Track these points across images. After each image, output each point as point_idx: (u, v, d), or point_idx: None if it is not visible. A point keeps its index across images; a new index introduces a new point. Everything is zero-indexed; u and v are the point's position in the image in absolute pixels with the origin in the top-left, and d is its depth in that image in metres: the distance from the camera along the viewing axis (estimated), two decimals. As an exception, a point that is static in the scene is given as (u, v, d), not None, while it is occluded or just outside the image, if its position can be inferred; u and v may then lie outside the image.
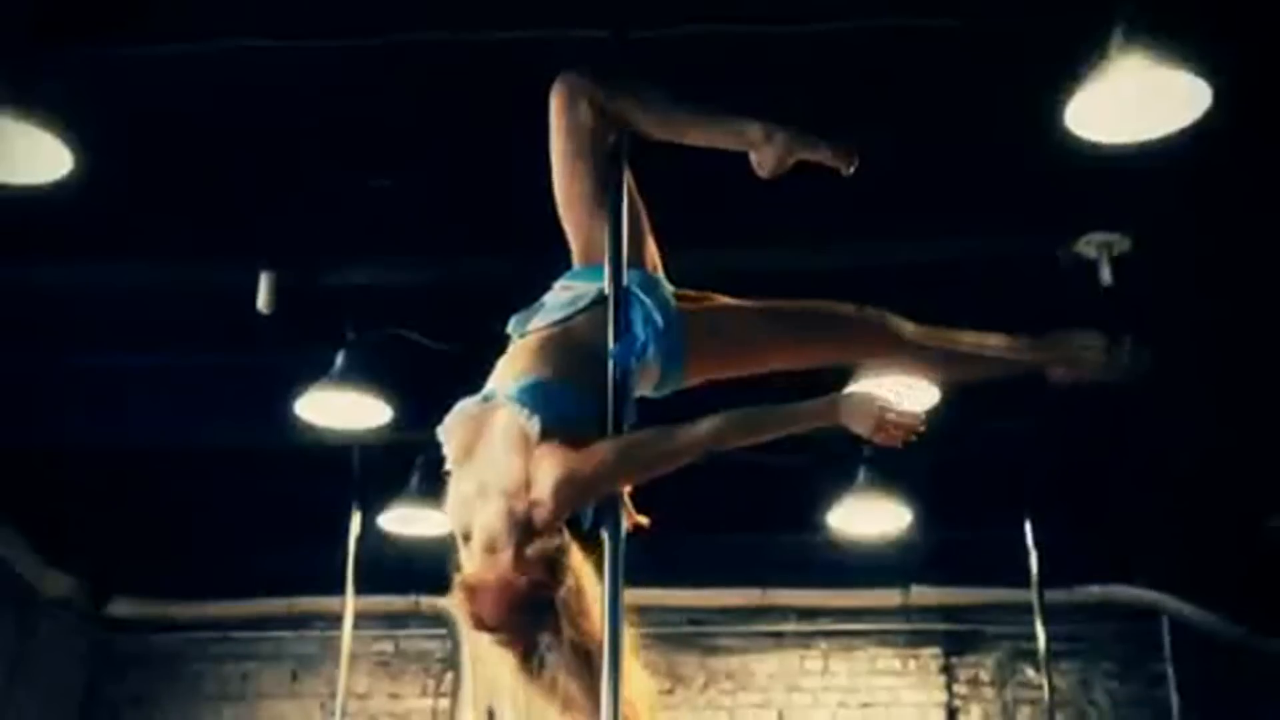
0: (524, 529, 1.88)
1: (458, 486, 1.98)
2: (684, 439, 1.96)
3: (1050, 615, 5.84)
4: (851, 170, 2.44)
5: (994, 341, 2.39)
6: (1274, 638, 6.42)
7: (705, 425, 1.97)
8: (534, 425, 1.91)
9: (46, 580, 6.39)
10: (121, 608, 6.90)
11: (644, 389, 2.14)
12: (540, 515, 1.88)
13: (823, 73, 3.58)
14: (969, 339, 2.38)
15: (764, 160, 2.44)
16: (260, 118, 3.78)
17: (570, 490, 1.87)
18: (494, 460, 1.93)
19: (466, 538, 1.95)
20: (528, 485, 1.88)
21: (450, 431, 2.02)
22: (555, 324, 2.11)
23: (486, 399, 2.02)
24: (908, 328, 2.33)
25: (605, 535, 1.98)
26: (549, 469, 1.87)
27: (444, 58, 3.52)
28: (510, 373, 2.04)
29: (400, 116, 3.82)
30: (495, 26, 3.40)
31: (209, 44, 3.49)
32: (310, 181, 4.00)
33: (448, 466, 2.02)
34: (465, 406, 2.03)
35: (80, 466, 5.63)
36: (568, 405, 1.96)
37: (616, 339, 2.06)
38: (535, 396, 1.95)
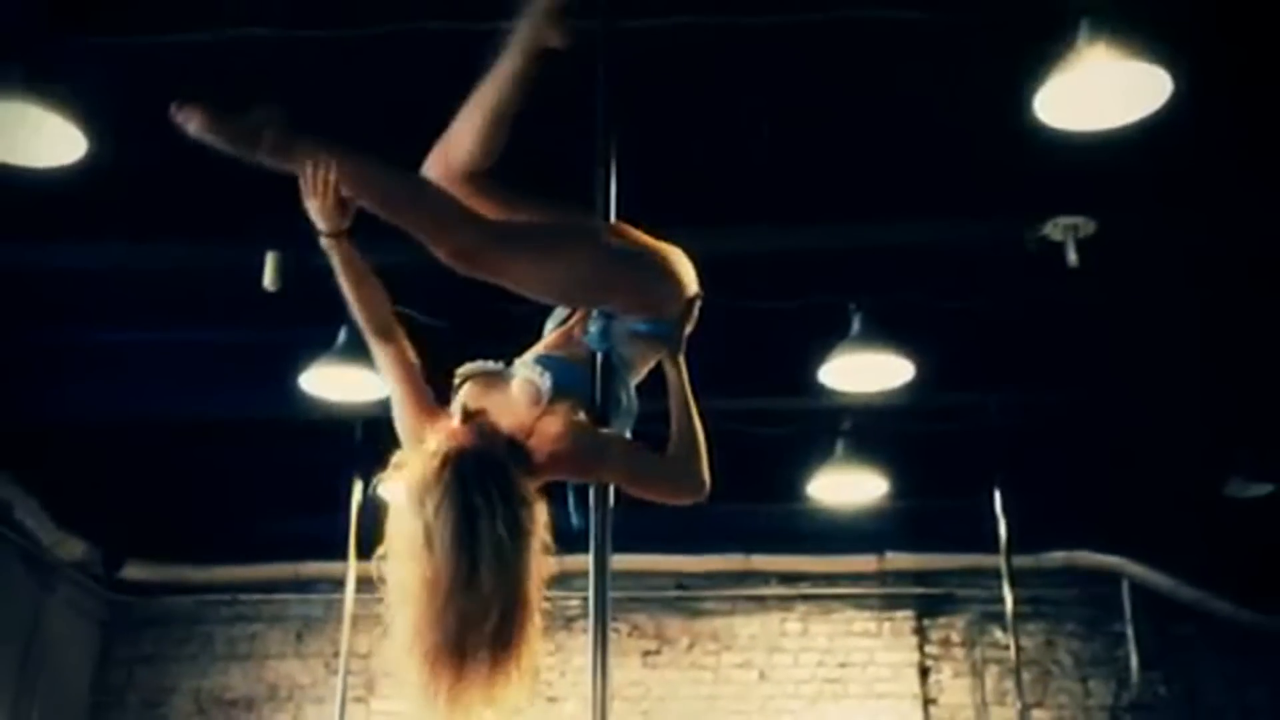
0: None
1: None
2: (656, 468, 2.17)
3: (1017, 579, 5.94)
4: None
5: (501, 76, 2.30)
6: (1229, 600, 6.59)
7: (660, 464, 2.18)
8: (546, 381, 2.10)
9: (63, 545, 6.44)
10: (134, 571, 6.97)
11: (652, 362, 2.30)
12: (529, 461, 2.01)
13: (801, 62, 3.71)
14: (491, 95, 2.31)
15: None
16: (267, 103, 3.91)
17: (563, 447, 2.03)
18: (505, 409, 2.09)
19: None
20: (529, 433, 2.04)
21: (466, 381, 2.18)
22: (559, 327, 2.31)
23: (506, 367, 2.20)
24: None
25: (590, 510, 2.15)
26: (553, 426, 2.04)
27: (438, 46, 3.56)
28: (526, 355, 2.24)
29: (398, 102, 3.89)
30: (486, 16, 3.54)
31: (219, 33, 3.57)
32: (315, 164, 4.11)
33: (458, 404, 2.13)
34: (486, 365, 2.21)
35: (95, 437, 5.69)
36: (574, 378, 2.16)
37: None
38: (547, 364, 2.16)
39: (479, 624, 1.82)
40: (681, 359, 2.28)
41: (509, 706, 1.86)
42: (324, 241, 2.17)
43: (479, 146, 2.30)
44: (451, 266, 2.15)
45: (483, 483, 1.88)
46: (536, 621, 1.89)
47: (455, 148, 2.31)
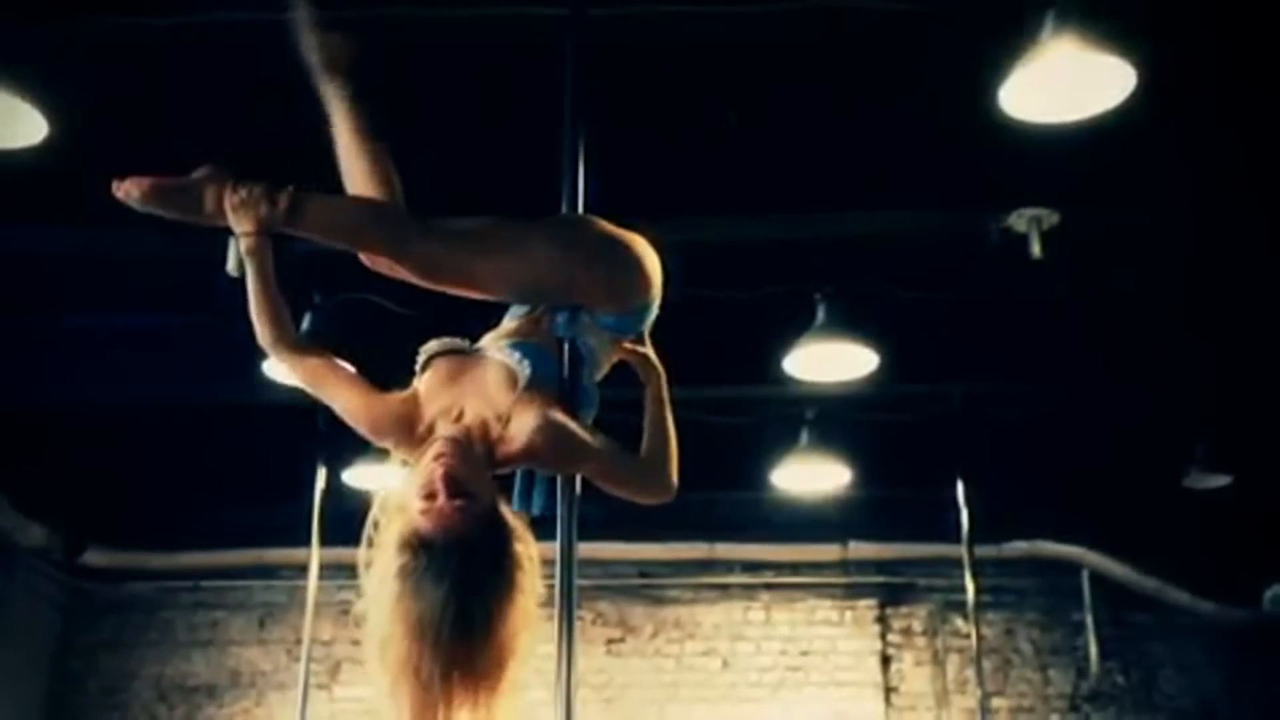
0: (485, 453, 1.98)
1: (420, 407, 2.06)
2: (629, 468, 2.15)
3: (979, 569, 5.99)
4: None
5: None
6: (1187, 591, 6.69)
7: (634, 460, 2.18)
8: (524, 368, 2.06)
9: (23, 531, 6.42)
10: (96, 558, 6.95)
11: (614, 358, 2.29)
12: (504, 450, 1.99)
13: (770, 51, 3.72)
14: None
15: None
16: (230, 88, 3.82)
17: (540, 439, 1.99)
18: (480, 392, 2.04)
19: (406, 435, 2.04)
20: (507, 420, 2.00)
21: (433, 360, 2.12)
22: (526, 314, 2.26)
23: (476, 348, 2.16)
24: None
25: (554, 498, 2.13)
26: (532, 414, 2.00)
27: (411, 33, 3.58)
28: (496, 338, 2.20)
29: (368, 89, 3.94)
30: (458, 3, 3.48)
31: (183, 17, 3.55)
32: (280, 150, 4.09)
33: (417, 385, 2.08)
34: (452, 342, 2.15)
35: (56, 423, 5.66)
36: (549, 367, 2.13)
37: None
38: (524, 351, 2.11)
39: (473, 675, 1.82)
40: (658, 363, 2.27)
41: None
42: (252, 242, 2.06)
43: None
44: (417, 282, 2.12)
45: (480, 579, 1.86)
46: (524, 646, 1.88)
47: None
